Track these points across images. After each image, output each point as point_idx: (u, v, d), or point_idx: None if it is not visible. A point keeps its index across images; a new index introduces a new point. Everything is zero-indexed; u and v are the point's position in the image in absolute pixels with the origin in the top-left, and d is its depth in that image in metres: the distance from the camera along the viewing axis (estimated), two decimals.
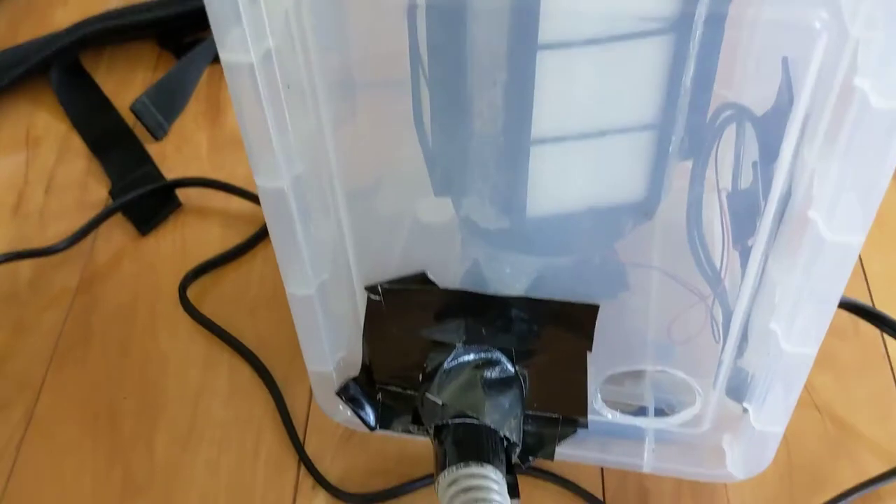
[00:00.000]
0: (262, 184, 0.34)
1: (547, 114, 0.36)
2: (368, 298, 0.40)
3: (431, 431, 0.40)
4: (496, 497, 0.36)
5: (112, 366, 0.53)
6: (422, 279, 0.39)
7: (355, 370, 0.45)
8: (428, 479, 0.47)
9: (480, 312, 0.39)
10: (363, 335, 0.42)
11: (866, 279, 0.55)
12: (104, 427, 0.51)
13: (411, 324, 0.40)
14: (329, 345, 0.43)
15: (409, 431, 0.46)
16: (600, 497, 0.46)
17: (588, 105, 0.36)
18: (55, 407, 0.52)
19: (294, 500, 0.48)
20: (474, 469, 0.37)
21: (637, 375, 0.47)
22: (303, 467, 0.49)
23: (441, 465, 0.38)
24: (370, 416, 0.46)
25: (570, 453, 0.45)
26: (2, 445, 0.50)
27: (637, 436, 0.45)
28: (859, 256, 0.56)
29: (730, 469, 0.44)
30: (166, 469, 0.49)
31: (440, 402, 0.40)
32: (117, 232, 0.60)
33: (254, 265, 0.58)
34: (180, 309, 0.55)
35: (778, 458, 0.45)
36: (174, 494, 0.48)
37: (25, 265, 0.58)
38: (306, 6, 0.32)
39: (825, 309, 0.34)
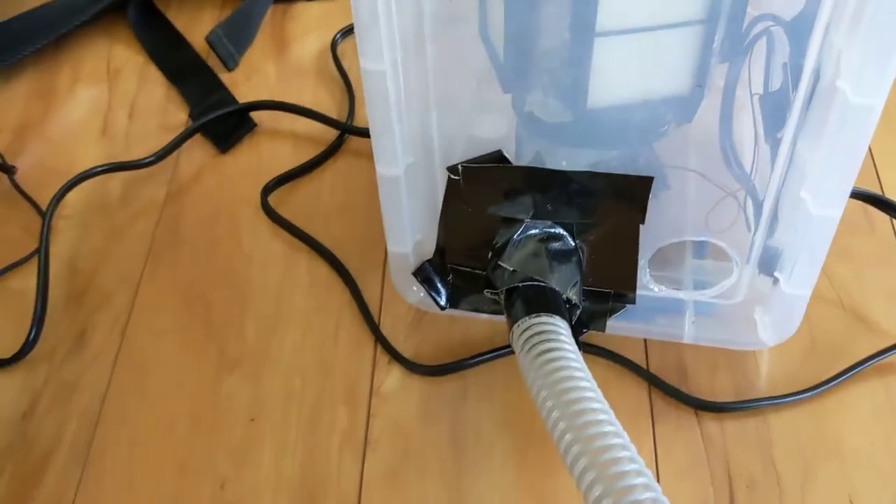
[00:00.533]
0: (367, 66, 0.40)
1: (608, 9, 0.41)
2: (448, 179, 0.46)
3: (503, 296, 0.46)
4: (565, 339, 0.42)
5: (201, 264, 0.60)
6: (498, 157, 0.45)
7: (429, 253, 0.51)
8: (488, 355, 0.53)
9: (547, 188, 0.45)
10: (440, 217, 0.48)
11: (881, 184, 0.61)
12: (198, 314, 0.57)
13: (485, 202, 0.46)
14: (409, 227, 0.49)
15: (475, 309, 0.52)
16: (645, 367, 0.52)
17: (644, 1, 0.42)
18: (153, 297, 0.58)
19: (373, 373, 0.54)
20: (544, 318, 0.43)
21: (678, 261, 0.54)
22: (379, 346, 0.55)
23: (514, 320, 0.44)
24: (442, 296, 0.52)
25: (619, 325, 0.50)
26: (108, 327, 0.56)
27: (678, 310, 0.51)
28: (874, 162, 0.62)
29: (761, 336, 0.50)
30: (256, 348, 0.55)
31: (511, 269, 0.46)
32: (198, 150, 0.66)
33: (324, 178, 0.64)
34: (260, 215, 0.61)
35: (801, 335, 0.51)
36: (264, 369, 0.54)
37: (116, 179, 0.64)
38: None
39: (849, 170, 0.40)
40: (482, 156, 0.45)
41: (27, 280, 0.59)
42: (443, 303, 0.52)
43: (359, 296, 0.57)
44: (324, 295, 0.58)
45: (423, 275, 0.51)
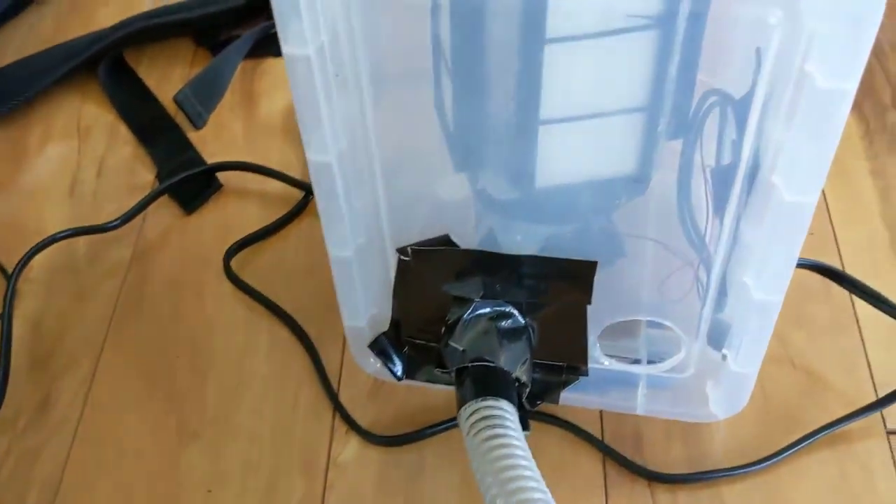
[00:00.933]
0: (313, 157, 0.41)
1: (552, 98, 0.42)
2: (399, 259, 0.46)
3: (454, 374, 0.47)
4: (510, 424, 0.43)
5: (165, 329, 0.60)
6: (445, 241, 0.45)
7: (385, 326, 0.52)
8: (446, 424, 0.54)
9: (495, 270, 0.45)
10: (393, 293, 0.49)
11: (838, 247, 0.61)
12: (161, 382, 0.57)
13: (435, 281, 0.46)
14: (363, 302, 0.50)
15: (431, 381, 0.52)
16: (600, 437, 0.53)
17: (587, 90, 0.42)
18: (116, 363, 0.58)
19: (330, 443, 0.54)
20: (491, 402, 0.43)
21: (630, 332, 0.54)
22: (337, 415, 0.55)
23: (462, 401, 0.45)
24: (398, 368, 0.52)
25: (572, 397, 0.51)
26: (72, 393, 0.57)
27: (632, 383, 0.52)
28: (832, 227, 0.62)
29: (712, 409, 0.50)
30: (216, 417, 0.56)
31: (461, 349, 0.46)
32: (164, 211, 0.66)
33: (289, 240, 0.64)
34: (223, 279, 0.62)
35: (755, 403, 0.52)
36: (223, 438, 0.55)
37: (82, 241, 0.64)
38: (354, 7, 0.38)
39: (788, 261, 0.40)
40: (431, 239, 0.45)
41: None
42: (399, 374, 0.52)
43: (318, 364, 0.57)
44: (284, 361, 0.58)
45: (379, 347, 0.51)
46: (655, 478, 0.51)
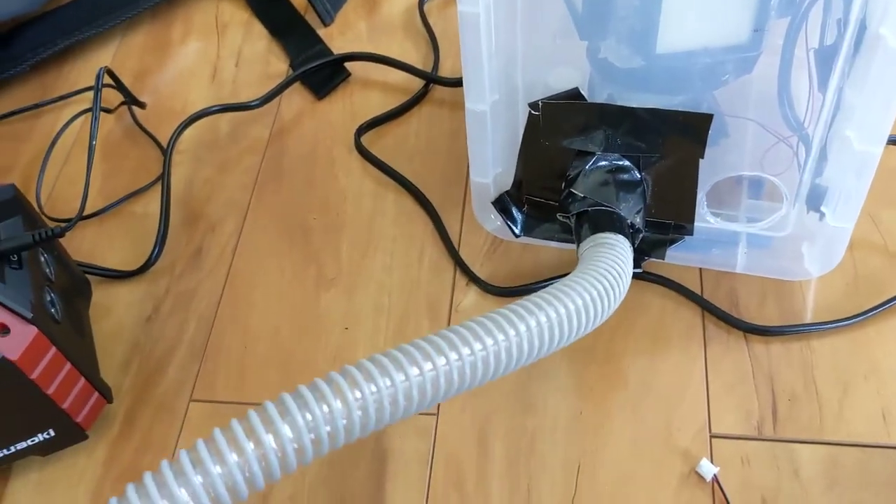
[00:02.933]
0: (464, 8, 0.46)
1: None
2: (529, 115, 0.52)
3: (573, 219, 0.52)
4: (623, 253, 0.48)
5: (301, 195, 0.67)
6: (574, 94, 0.51)
7: (508, 185, 0.57)
8: (556, 279, 0.59)
9: (617, 123, 0.51)
10: (520, 151, 0.54)
11: None
12: (299, 238, 0.64)
13: (561, 136, 0.52)
14: (491, 159, 0.55)
15: (547, 238, 0.58)
16: (699, 294, 0.58)
17: None
18: (259, 221, 0.66)
19: (452, 293, 0.60)
20: (609, 235, 0.49)
21: (734, 199, 0.59)
22: (458, 270, 0.61)
23: (581, 239, 0.50)
24: (517, 225, 0.58)
25: (678, 255, 0.56)
26: (221, 247, 0.64)
27: (732, 242, 0.57)
28: None
29: (807, 266, 0.55)
30: (350, 269, 0.62)
31: (581, 195, 0.52)
32: (298, 97, 0.73)
33: (410, 124, 0.70)
34: (353, 154, 0.68)
35: (844, 270, 0.56)
36: (357, 287, 0.61)
37: (225, 120, 0.72)
38: None
39: (890, 108, 0.44)
40: (561, 93, 0.51)
41: (148, 206, 0.67)
42: (517, 231, 0.58)
43: (441, 227, 0.63)
44: (409, 225, 0.64)
45: (501, 205, 0.57)
46: (751, 330, 0.56)
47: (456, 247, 0.62)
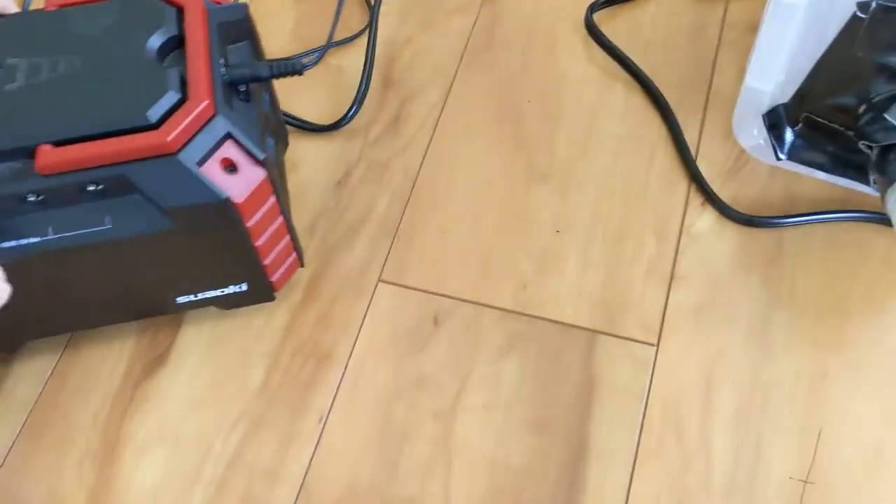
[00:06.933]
0: None
1: None
2: (852, 17, 0.42)
3: (876, 150, 0.43)
4: None
5: (515, 72, 0.59)
6: None
7: (782, 98, 0.49)
8: (814, 216, 0.51)
9: None
10: (820, 60, 0.45)
11: None
12: (510, 121, 0.57)
13: (883, 48, 0.42)
14: (777, 64, 0.46)
15: (816, 166, 0.49)
16: None
17: None
18: (465, 96, 0.58)
19: (684, 211, 0.53)
20: None
21: None
22: (693, 186, 0.53)
23: (891, 179, 0.42)
24: (784, 146, 0.49)
25: None
26: (421, 118, 0.57)
27: None
28: None
29: None
30: (566, 165, 0.55)
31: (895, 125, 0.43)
32: None
33: (647, 9, 0.61)
34: (578, 34, 0.60)
35: None
36: (572, 186, 0.54)
37: None
38: None
39: None
40: None
41: (344, 58, 0.60)
42: (782, 153, 0.49)
43: (677, 131, 0.55)
44: (638, 125, 0.56)
45: (773, 119, 0.48)
46: None
47: (693, 157, 0.54)
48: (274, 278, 0.47)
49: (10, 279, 0.40)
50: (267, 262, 0.45)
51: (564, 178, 0.54)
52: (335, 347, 0.50)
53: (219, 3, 0.45)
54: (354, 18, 0.62)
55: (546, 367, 0.48)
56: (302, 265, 0.50)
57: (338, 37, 0.61)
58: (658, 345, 0.48)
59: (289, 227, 0.46)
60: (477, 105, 0.58)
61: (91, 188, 0.39)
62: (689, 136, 0.55)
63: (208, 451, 0.47)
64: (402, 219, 0.54)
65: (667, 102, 0.56)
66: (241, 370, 0.50)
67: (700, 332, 0.49)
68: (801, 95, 0.47)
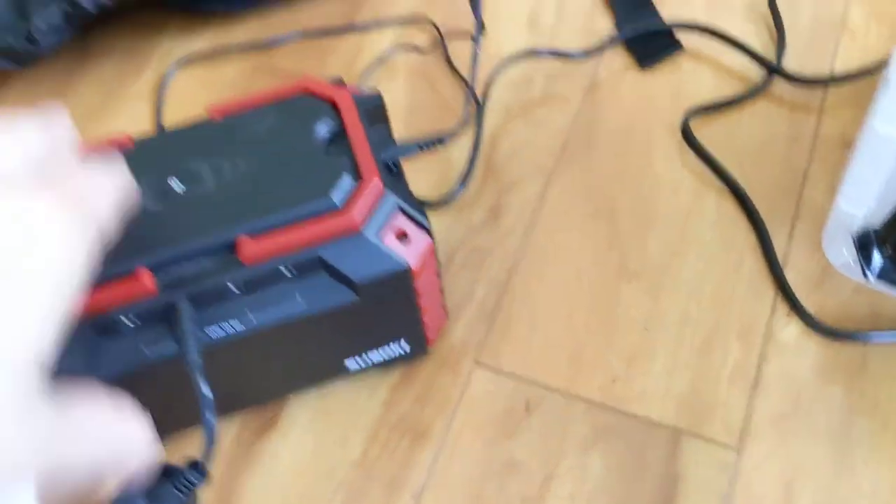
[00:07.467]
0: None
1: None
2: None
3: None
4: None
5: (610, 172, 0.62)
6: None
7: (875, 222, 0.51)
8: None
9: None
10: None
11: None
12: (604, 219, 0.60)
13: None
14: (870, 190, 0.49)
15: None
16: None
17: None
18: (562, 191, 0.62)
19: (770, 319, 0.55)
20: None
21: None
22: (779, 295, 0.56)
23: None
24: (873, 267, 0.51)
25: None
26: (519, 210, 0.61)
27: None
28: None
29: None
30: (657, 266, 0.58)
31: None
32: (618, 61, 0.68)
33: (742, 117, 0.64)
34: (673, 138, 0.63)
35: None
36: (662, 287, 0.57)
37: (538, 72, 0.67)
38: None
39: None
40: None
41: (450, 147, 0.64)
42: (871, 275, 0.51)
43: (766, 241, 0.57)
44: (729, 231, 0.59)
45: (863, 241, 0.51)
46: None
47: (781, 267, 0.57)
48: (430, 334, 0.52)
49: (209, 364, 0.44)
50: (426, 319, 0.51)
51: (655, 278, 0.57)
52: (431, 426, 0.53)
53: (356, 93, 0.50)
54: (459, 107, 0.66)
55: (630, 461, 0.51)
56: (447, 319, 0.55)
57: (443, 126, 0.65)
58: (740, 449, 0.51)
59: (440, 286, 0.51)
60: (573, 201, 0.61)
61: (285, 272, 0.45)
62: (778, 245, 0.58)
63: None
64: (498, 306, 0.57)
65: (757, 211, 0.58)
66: (342, 441, 0.53)
67: (781, 439, 0.51)
68: (894, 223, 0.49)
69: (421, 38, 0.71)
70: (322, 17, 0.73)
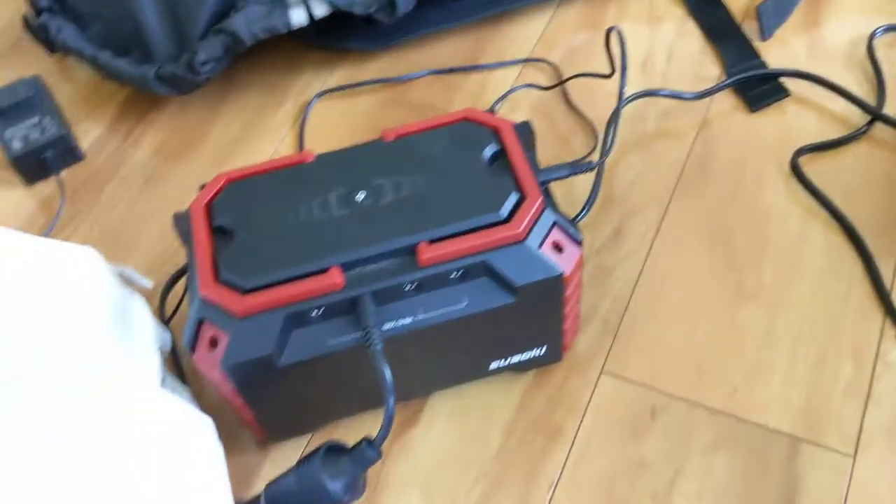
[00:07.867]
0: None
1: None
2: None
3: None
4: None
5: (724, 203, 0.68)
6: None
7: None
8: None
9: None
10: None
11: None
12: (720, 244, 0.65)
13: None
14: None
15: None
16: None
17: None
18: (680, 217, 0.67)
19: (879, 341, 0.59)
20: None
21: None
22: (887, 320, 0.60)
23: None
24: None
25: None
26: (641, 233, 0.66)
27: None
28: None
29: None
30: (771, 289, 0.63)
31: None
32: (728, 103, 0.73)
33: (845, 158, 0.69)
34: (782, 174, 0.68)
35: None
36: (778, 308, 0.62)
37: (652, 111, 0.73)
38: None
39: None
40: None
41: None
42: None
43: (873, 269, 0.62)
44: (836, 260, 0.64)
45: None
46: None
47: (888, 294, 0.61)
48: (566, 341, 0.58)
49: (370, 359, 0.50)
50: (567, 326, 0.56)
51: (770, 300, 0.62)
52: (564, 425, 0.58)
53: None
54: (575, 139, 0.72)
55: (753, 465, 0.55)
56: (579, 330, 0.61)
57: (561, 156, 0.71)
58: (855, 457, 0.55)
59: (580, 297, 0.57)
60: (690, 227, 0.67)
61: (453, 275, 0.50)
62: (885, 274, 0.62)
63: (454, 501, 0.56)
64: (622, 320, 0.62)
65: (864, 243, 0.63)
66: (480, 437, 0.58)
67: (893, 449, 0.55)
68: None
69: (540, 77, 0.77)
70: (448, 57, 0.80)
